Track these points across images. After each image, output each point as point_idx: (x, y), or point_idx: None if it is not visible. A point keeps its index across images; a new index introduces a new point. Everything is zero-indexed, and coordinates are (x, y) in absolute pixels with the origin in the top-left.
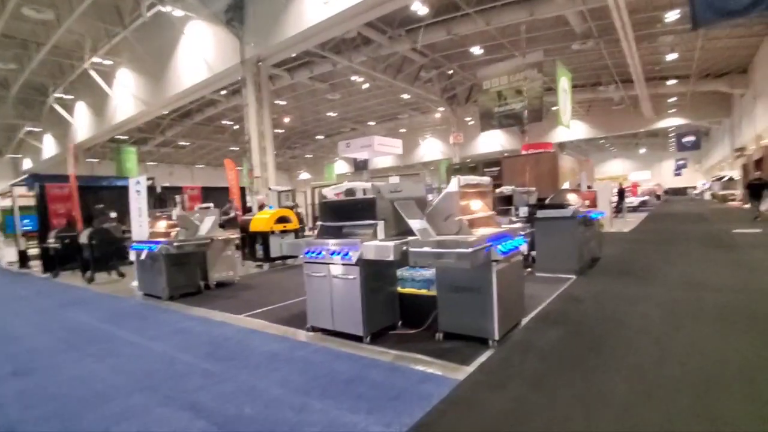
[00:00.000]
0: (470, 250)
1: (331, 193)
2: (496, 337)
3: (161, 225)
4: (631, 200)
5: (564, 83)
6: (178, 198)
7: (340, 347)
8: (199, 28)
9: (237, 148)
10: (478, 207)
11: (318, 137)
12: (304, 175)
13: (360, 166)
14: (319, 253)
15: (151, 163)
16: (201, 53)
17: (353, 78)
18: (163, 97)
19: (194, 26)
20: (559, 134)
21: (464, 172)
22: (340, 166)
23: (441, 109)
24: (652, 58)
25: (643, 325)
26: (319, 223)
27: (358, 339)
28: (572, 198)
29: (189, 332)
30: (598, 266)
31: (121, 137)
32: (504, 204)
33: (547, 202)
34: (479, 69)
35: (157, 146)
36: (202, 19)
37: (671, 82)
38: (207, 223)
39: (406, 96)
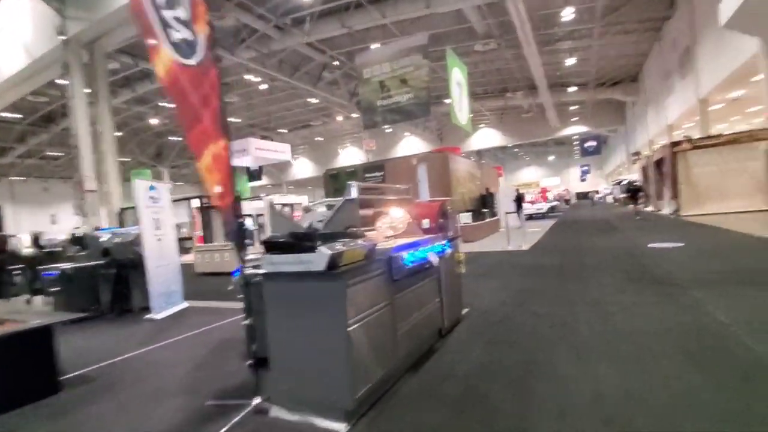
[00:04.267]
0: None
1: None
2: None
3: None
4: (540, 206)
5: (457, 75)
6: None
7: None
8: (14, 2)
9: (128, 159)
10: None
11: None
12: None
13: (254, 176)
14: None
15: (17, 178)
16: (18, 35)
17: (247, 77)
18: None
19: (9, 2)
20: (476, 142)
21: (341, 179)
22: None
23: (354, 115)
24: (553, 64)
25: None
26: None
27: None
28: (391, 218)
29: None
30: (437, 357)
31: None
32: None
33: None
34: (357, 54)
35: (20, 157)
36: None
37: (572, 89)
38: None
39: (314, 100)
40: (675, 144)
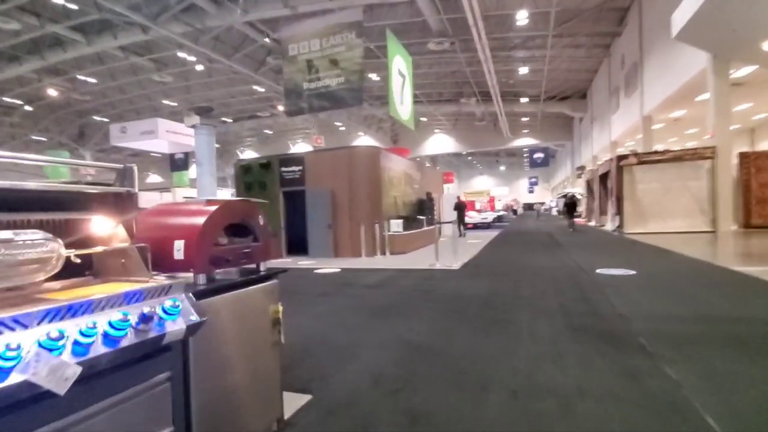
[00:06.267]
0: None
1: None
2: None
3: None
4: (486, 215)
5: (399, 63)
6: None
7: None
8: None
9: (44, 139)
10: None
11: None
12: (155, 178)
13: (178, 165)
14: None
15: None
16: None
17: (181, 55)
18: None
19: None
20: (430, 147)
21: (254, 172)
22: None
23: None
24: (506, 72)
25: None
26: None
27: None
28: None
29: None
30: None
31: None
32: None
33: None
34: (282, 28)
35: None
36: None
37: (524, 100)
38: None
39: (259, 89)
40: (621, 158)
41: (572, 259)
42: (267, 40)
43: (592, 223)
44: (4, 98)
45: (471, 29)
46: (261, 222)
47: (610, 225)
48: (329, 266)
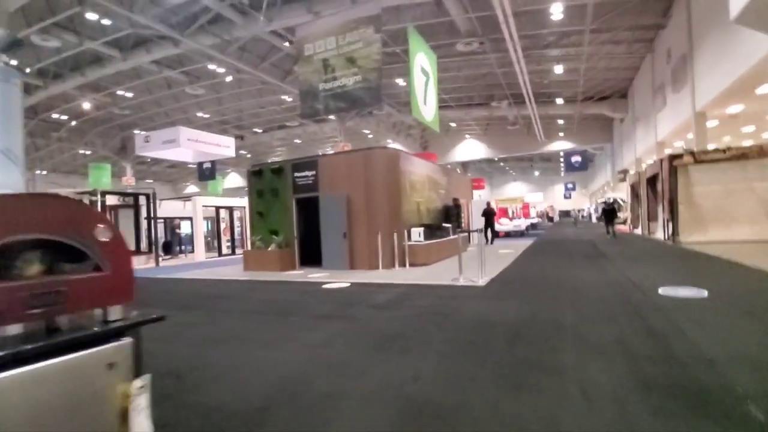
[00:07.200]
0: None
1: None
2: None
3: None
4: (519, 223)
5: (422, 61)
6: None
7: None
8: None
9: (89, 152)
10: None
11: None
12: (192, 188)
13: (206, 174)
14: None
15: None
16: None
17: (212, 67)
18: None
19: None
20: (461, 153)
21: (266, 178)
22: (234, 179)
23: (332, 117)
24: (540, 72)
25: None
26: None
27: None
28: None
29: None
30: None
31: None
32: None
33: None
34: (298, 28)
35: None
36: None
37: (559, 101)
38: None
39: (287, 98)
40: (674, 157)
41: (623, 274)
42: (286, 44)
43: (639, 231)
44: (52, 115)
45: (501, 27)
46: (106, 237)
47: (661, 233)
48: (340, 280)
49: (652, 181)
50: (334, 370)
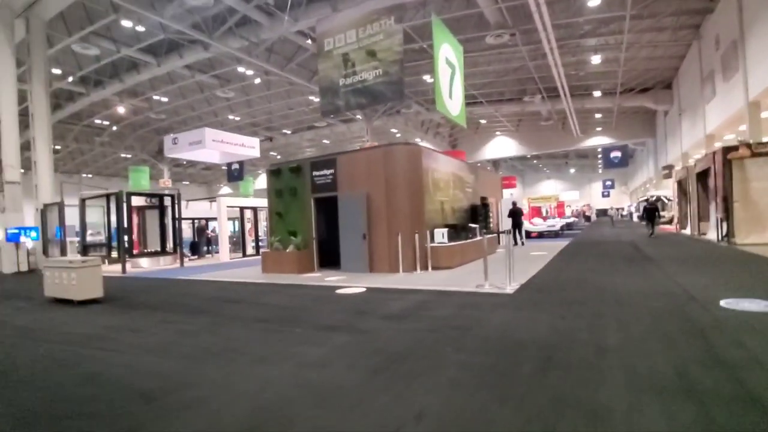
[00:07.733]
0: None
1: None
2: None
3: None
4: (553, 222)
5: (448, 52)
6: None
7: None
8: None
9: (129, 156)
10: None
11: None
12: (225, 190)
13: (234, 175)
14: None
15: None
16: None
17: (241, 69)
18: None
19: None
20: (492, 150)
21: (284, 177)
22: (265, 180)
23: (359, 117)
24: (575, 64)
25: None
26: None
27: None
28: None
29: None
30: None
31: None
32: None
33: None
34: (319, 22)
35: None
36: None
37: (597, 94)
38: None
39: (315, 99)
40: (728, 150)
41: (674, 281)
42: (309, 42)
43: (687, 231)
44: (95, 120)
45: (533, 17)
46: None
47: (713, 233)
48: (357, 284)
49: (702, 176)
50: (324, 399)
